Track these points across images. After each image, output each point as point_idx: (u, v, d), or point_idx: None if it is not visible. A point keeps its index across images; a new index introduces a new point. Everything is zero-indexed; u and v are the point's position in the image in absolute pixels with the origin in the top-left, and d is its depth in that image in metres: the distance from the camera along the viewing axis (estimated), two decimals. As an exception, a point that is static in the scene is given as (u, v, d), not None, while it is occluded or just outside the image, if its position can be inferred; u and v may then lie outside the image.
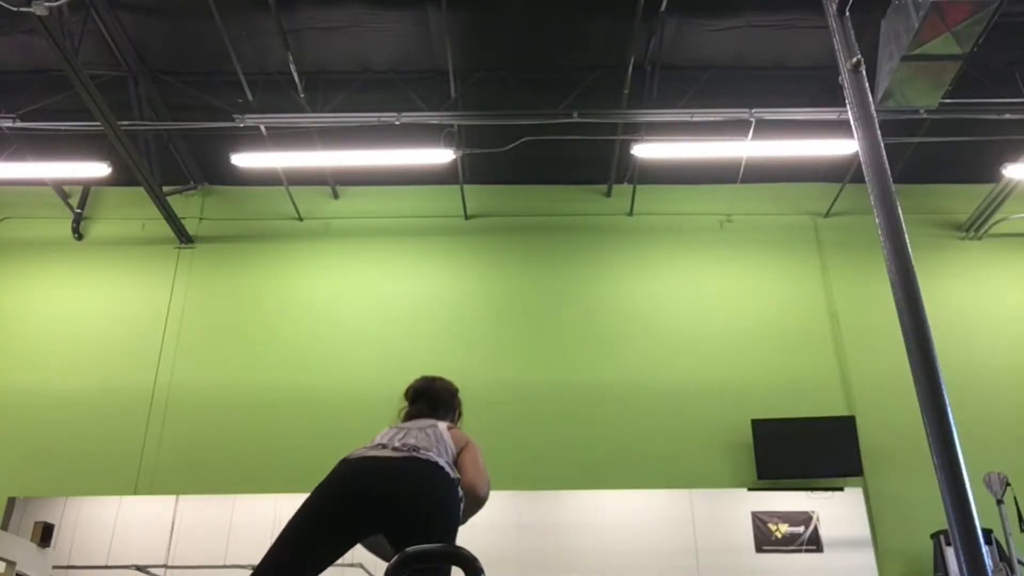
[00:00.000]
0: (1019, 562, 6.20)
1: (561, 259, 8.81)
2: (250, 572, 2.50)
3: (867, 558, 7.46)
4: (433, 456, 2.62)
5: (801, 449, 7.60)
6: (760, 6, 7.18)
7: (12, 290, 8.72)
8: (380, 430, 2.88)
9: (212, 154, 8.69)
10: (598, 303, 8.59)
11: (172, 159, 8.71)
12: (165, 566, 8.45)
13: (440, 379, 3.21)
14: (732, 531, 8.62)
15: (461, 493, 2.65)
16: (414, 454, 2.60)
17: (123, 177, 8.30)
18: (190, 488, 8.05)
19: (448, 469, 2.62)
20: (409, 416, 3.02)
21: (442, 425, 2.89)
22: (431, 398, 3.10)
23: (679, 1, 6.90)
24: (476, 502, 2.74)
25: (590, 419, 7.96)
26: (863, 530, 7.59)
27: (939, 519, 3.80)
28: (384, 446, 2.67)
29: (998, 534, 6.02)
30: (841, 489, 7.75)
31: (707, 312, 8.49)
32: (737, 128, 7.61)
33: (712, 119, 7.56)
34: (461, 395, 3.22)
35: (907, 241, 2.94)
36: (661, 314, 8.50)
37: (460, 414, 3.20)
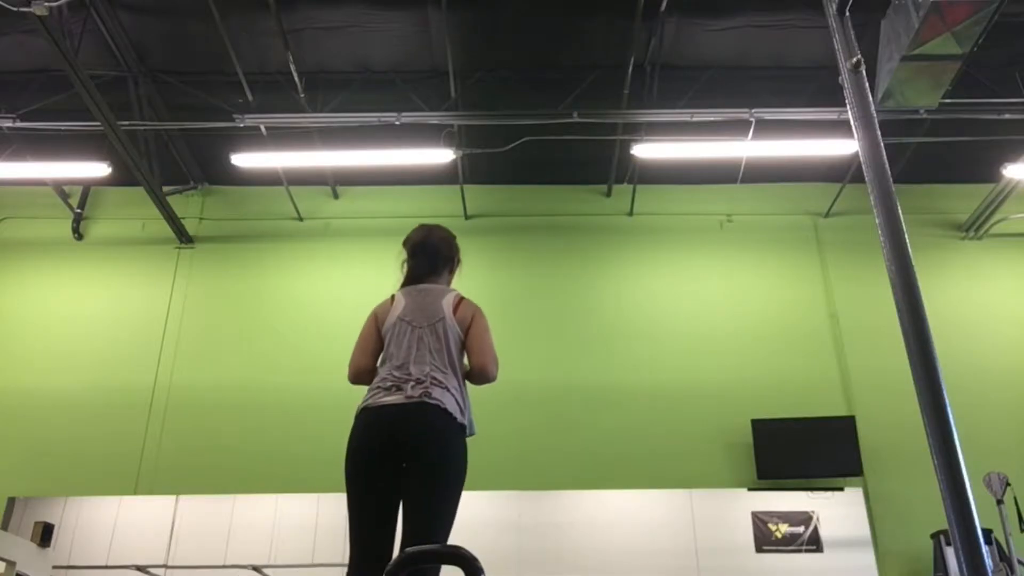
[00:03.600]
0: (1019, 562, 6.20)
1: (561, 259, 8.81)
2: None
3: (867, 558, 7.46)
4: (444, 399, 2.71)
5: (801, 449, 7.61)
6: (760, 6, 7.18)
7: (12, 290, 8.72)
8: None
9: (212, 154, 8.68)
10: (598, 303, 8.59)
11: (172, 159, 8.71)
12: (165, 566, 8.43)
13: (437, 228, 3.23)
14: (732, 531, 8.59)
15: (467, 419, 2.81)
16: (425, 399, 2.68)
17: (123, 177, 8.30)
18: (190, 488, 8.04)
19: (457, 414, 2.72)
20: (410, 277, 3.13)
21: (447, 305, 2.95)
22: (431, 252, 3.14)
23: (679, 1, 6.90)
24: (486, 381, 2.93)
25: (590, 419, 7.96)
26: (863, 530, 7.59)
27: (939, 519, 3.80)
28: (399, 387, 2.73)
29: (998, 534, 6.02)
30: (841, 489, 7.75)
31: (707, 312, 8.49)
32: (737, 128, 7.60)
33: (712, 119, 7.56)
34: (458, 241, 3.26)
35: (907, 241, 2.94)
36: (661, 314, 8.51)
37: (459, 260, 3.24)
